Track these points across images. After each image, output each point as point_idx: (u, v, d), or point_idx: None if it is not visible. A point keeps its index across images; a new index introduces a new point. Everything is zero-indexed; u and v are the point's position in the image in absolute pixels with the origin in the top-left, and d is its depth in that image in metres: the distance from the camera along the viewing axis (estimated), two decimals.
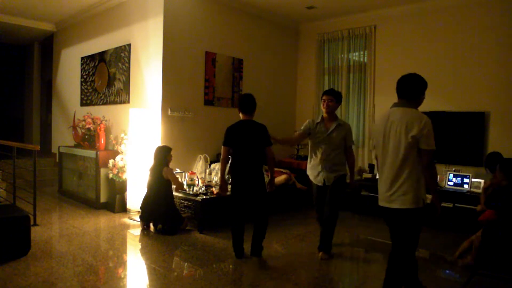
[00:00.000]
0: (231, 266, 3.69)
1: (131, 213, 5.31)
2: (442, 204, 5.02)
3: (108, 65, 6.43)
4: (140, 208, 4.82)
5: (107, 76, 6.44)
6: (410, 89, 2.68)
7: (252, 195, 3.81)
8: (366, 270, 3.92)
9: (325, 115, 3.95)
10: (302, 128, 4.04)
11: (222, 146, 3.80)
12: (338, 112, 6.76)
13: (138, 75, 5.81)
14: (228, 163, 3.98)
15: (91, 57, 6.87)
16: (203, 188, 4.97)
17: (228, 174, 4.16)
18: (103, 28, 6.60)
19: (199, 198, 4.69)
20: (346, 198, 4.32)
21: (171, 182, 4.67)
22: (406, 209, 2.57)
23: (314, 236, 4.67)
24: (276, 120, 6.61)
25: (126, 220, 5.18)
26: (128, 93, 5.98)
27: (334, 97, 3.93)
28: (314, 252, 3.96)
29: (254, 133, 3.76)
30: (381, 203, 2.73)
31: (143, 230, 4.73)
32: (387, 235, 4.85)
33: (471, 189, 5.12)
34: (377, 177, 2.86)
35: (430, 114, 5.33)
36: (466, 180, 5.18)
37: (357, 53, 6.63)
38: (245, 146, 3.75)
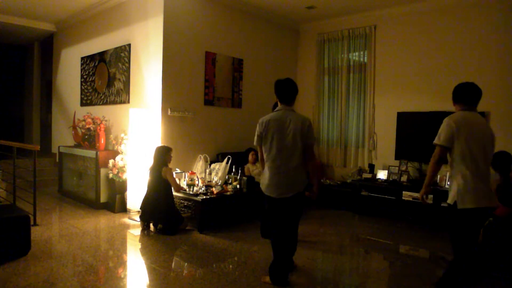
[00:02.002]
0: (231, 266, 3.70)
1: (131, 213, 5.31)
2: (442, 204, 5.04)
3: (108, 65, 6.43)
4: (140, 208, 4.82)
5: (107, 76, 6.45)
6: (480, 97, 2.94)
7: None
8: (366, 270, 3.92)
9: None
10: None
11: None
12: (338, 112, 6.84)
13: (138, 75, 5.81)
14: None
15: (91, 57, 6.87)
16: (203, 188, 4.97)
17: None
18: (103, 28, 6.60)
19: (199, 198, 4.69)
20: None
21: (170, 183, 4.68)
22: None
23: (313, 237, 4.68)
24: None
25: (126, 220, 5.18)
26: (128, 93, 5.98)
27: None
28: (314, 253, 3.96)
29: None
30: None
31: (143, 230, 4.74)
32: (387, 235, 4.80)
33: None
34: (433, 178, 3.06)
35: (430, 114, 5.39)
36: None
37: (357, 53, 6.64)
38: None
